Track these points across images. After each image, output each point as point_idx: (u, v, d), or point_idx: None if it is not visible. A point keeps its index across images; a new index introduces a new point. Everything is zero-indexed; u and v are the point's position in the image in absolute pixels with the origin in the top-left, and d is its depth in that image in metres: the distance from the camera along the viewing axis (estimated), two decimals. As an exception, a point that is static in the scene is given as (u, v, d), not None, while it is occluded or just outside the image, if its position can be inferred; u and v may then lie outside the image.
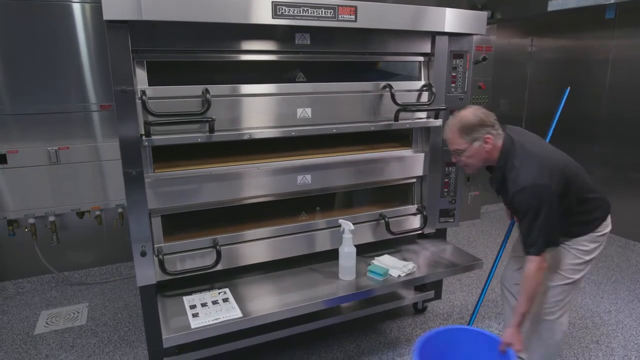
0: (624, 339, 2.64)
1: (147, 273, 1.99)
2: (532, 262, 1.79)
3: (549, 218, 1.73)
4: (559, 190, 1.76)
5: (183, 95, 1.92)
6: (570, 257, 1.91)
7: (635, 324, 2.79)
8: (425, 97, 2.42)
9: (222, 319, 1.89)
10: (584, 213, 1.87)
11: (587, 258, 1.91)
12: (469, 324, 2.27)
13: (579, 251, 1.91)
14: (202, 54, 2.00)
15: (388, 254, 2.49)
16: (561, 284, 1.93)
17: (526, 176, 1.74)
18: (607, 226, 1.93)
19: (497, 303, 3.01)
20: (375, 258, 2.42)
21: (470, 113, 1.83)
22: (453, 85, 2.49)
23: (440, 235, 2.74)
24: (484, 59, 4.16)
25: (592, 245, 1.91)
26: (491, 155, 1.85)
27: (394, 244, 2.62)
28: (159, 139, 1.88)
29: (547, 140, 2.30)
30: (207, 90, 1.91)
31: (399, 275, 2.27)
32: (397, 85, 2.32)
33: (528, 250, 1.79)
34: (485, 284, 2.36)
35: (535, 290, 1.84)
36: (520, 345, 1.83)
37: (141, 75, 1.88)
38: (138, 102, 1.82)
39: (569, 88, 2.29)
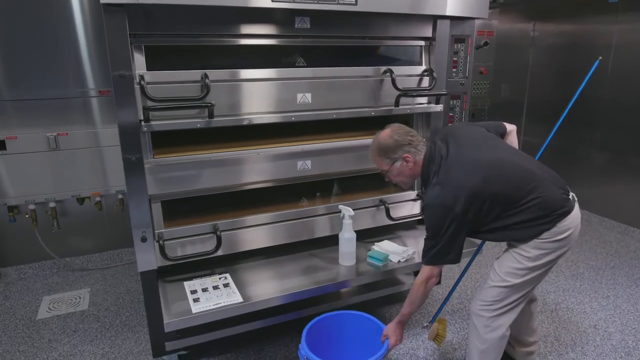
0: (621, 324, 2.67)
1: (147, 258, 1.99)
2: (422, 272, 1.85)
3: (447, 238, 1.72)
4: (468, 210, 1.69)
5: (182, 80, 1.91)
6: (512, 259, 1.82)
7: (633, 309, 2.81)
8: (426, 82, 2.41)
9: (222, 304, 1.91)
10: (518, 223, 1.75)
11: (530, 264, 1.78)
12: (430, 321, 2.26)
13: (521, 256, 1.80)
14: (200, 38, 1.98)
15: (388, 239, 2.49)
16: (498, 285, 1.84)
17: (432, 195, 1.75)
18: (558, 234, 1.75)
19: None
20: (375, 244, 2.43)
21: (387, 135, 1.88)
22: (454, 70, 2.47)
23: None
24: (486, 43, 4.11)
25: (536, 252, 1.77)
26: (415, 171, 1.90)
27: (394, 229, 2.63)
28: (158, 124, 1.86)
29: (565, 112, 2.24)
30: (206, 75, 1.89)
31: (399, 261, 2.28)
32: (397, 70, 2.30)
33: (422, 259, 1.84)
34: (451, 290, 2.38)
35: (418, 299, 1.87)
36: (395, 339, 1.92)
37: (139, 60, 1.86)
38: (136, 87, 1.81)
39: (599, 58, 2.19)
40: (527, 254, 1.79)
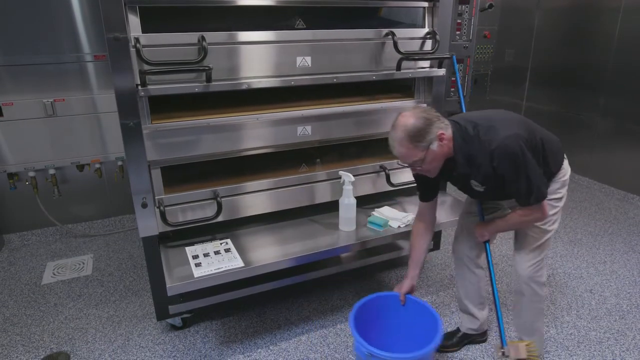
0: (617, 288, 2.71)
1: (149, 224, 2.00)
2: (535, 211, 1.72)
3: (534, 163, 1.65)
4: (527, 137, 1.69)
5: (178, 42, 1.86)
6: (548, 208, 1.81)
7: (629, 274, 2.85)
8: (429, 45, 2.35)
9: (224, 269, 1.93)
10: (552, 152, 1.80)
11: (560, 205, 1.87)
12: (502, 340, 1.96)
13: (553, 199, 1.83)
14: (197, -2, 1.92)
15: (388, 205, 2.50)
16: (543, 241, 1.86)
17: (494, 138, 1.63)
18: (567, 169, 1.88)
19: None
20: (375, 209, 2.43)
21: (412, 118, 1.63)
22: (458, 33, 2.40)
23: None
24: (491, 6, 3.99)
25: (563, 191, 1.86)
26: (447, 151, 1.70)
27: (394, 195, 2.63)
28: (155, 88, 1.83)
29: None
30: (203, 38, 1.84)
31: (399, 226, 2.29)
32: (400, 32, 2.24)
33: (529, 201, 1.69)
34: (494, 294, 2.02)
35: (514, 227, 1.88)
36: (483, 236, 1.94)
37: (134, 22, 1.81)
38: (132, 50, 1.76)
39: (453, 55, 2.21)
40: (558, 195, 1.85)
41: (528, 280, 1.90)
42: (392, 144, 1.68)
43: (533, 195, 1.67)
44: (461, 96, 2.44)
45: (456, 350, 2.22)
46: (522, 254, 1.91)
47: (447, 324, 2.39)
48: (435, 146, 1.64)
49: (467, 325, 2.22)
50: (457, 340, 2.23)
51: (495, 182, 1.72)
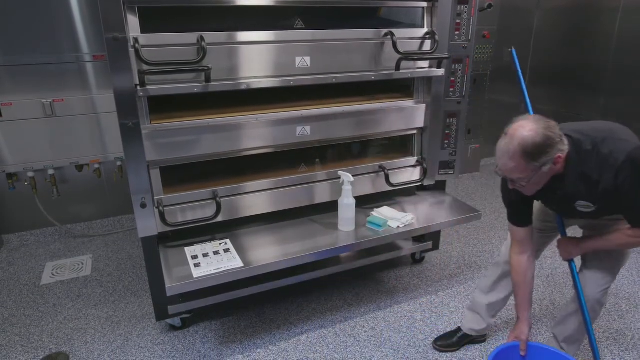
0: (616, 288, 2.71)
1: (148, 224, 2.00)
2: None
3: None
4: None
5: (177, 43, 1.86)
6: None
7: (628, 274, 2.85)
8: (428, 45, 2.35)
9: (223, 269, 1.93)
10: None
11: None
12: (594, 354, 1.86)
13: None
14: (195, -2, 1.92)
15: (387, 205, 2.50)
16: (624, 263, 1.79)
17: (618, 150, 1.45)
18: None
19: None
20: (375, 209, 2.43)
21: (533, 131, 1.41)
22: (457, 33, 2.40)
23: (440, 187, 2.75)
24: (490, 6, 3.99)
25: None
26: (558, 170, 1.51)
27: (393, 195, 2.63)
28: (154, 89, 1.83)
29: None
30: (202, 38, 1.84)
31: (398, 227, 2.29)
32: (399, 32, 2.24)
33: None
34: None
35: (619, 246, 1.70)
36: (570, 254, 1.81)
37: (133, 22, 1.81)
38: (131, 50, 1.76)
39: (512, 49, 2.06)
40: None
41: (593, 302, 1.80)
42: (500, 154, 1.48)
43: None
44: (525, 95, 2.24)
45: (455, 350, 2.23)
46: (597, 276, 1.79)
47: (447, 324, 2.39)
48: (547, 169, 1.46)
49: (470, 325, 2.21)
50: (457, 340, 2.23)
51: (612, 201, 1.53)
